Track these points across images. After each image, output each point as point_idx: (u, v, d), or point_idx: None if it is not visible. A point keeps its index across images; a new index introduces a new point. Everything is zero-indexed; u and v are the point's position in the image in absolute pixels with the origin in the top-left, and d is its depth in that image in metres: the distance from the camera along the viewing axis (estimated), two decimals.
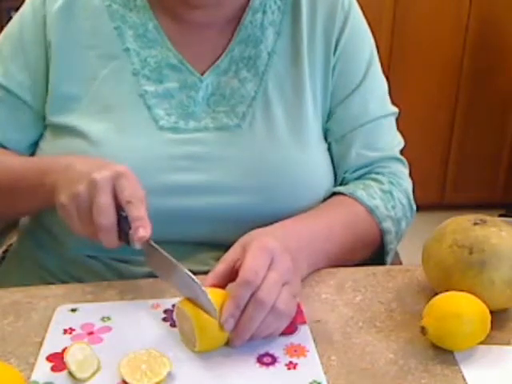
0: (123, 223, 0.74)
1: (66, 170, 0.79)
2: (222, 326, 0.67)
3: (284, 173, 0.88)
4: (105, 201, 0.73)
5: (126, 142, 0.87)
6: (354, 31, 0.95)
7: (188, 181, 0.86)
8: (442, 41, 2.64)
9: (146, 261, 0.76)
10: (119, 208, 0.74)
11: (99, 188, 0.73)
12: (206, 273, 0.73)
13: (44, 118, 0.92)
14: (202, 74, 0.91)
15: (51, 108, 0.91)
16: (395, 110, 1.00)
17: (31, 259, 0.95)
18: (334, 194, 0.94)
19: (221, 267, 0.72)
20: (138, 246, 0.74)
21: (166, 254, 0.72)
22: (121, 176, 0.74)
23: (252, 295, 0.66)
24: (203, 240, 0.89)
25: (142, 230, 0.72)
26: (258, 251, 0.69)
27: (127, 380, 0.62)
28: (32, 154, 0.94)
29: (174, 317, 0.74)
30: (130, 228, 0.73)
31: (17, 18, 0.94)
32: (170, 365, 0.64)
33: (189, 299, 0.69)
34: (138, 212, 0.73)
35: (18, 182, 0.87)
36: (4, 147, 0.93)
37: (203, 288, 0.67)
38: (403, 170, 1.00)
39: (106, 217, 0.73)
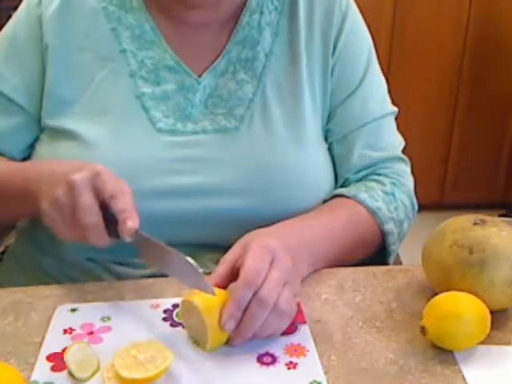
0: (111, 220, 0.73)
1: (43, 175, 0.77)
2: (222, 327, 0.67)
3: (283, 174, 0.88)
4: (86, 200, 0.71)
5: (124, 145, 0.86)
6: (352, 32, 0.95)
7: (186, 183, 0.86)
8: (442, 41, 2.64)
9: (139, 254, 0.75)
10: (104, 207, 0.73)
11: (78, 188, 0.71)
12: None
13: (39, 121, 0.91)
14: (200, 76, 0.91)
15: (47, 111, 0.90)
16: (395, 109, 1.00)
17: (29, 261, 0.95)
18: (336, 196, 0.93)
19: (222, 268, 0.72)
20: (128, 238, 0.72)
21: (158, 241, 0.71)
22: (99, 174, 0.73)
23: (254, 295, 0.66)
24: (202, 242, 0.89)
25: (130, 222, 0.71)
26: (258, 251, 0.69)
27: (119, 371, 0.61)
28: (27, 156, 0.94)
29: (174, 316, 0.74)
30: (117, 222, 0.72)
31: (11, 20, 0.93)
32: (171, 357, 0.63)
33: (195, 293, 0.69)
34: (123, 204, 0.72)
35: (2, 191, 0.85)
36: None
37: (200, 270, 0.67)
38: (406, 169, 1.00)
39: (91, 216, 0.72)
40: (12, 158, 0.93)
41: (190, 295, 0.69)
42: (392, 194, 0.94)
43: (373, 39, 0.99)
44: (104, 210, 0.73)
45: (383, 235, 0.92)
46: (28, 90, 0.91)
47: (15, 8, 0.95)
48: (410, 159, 1.02)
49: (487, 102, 2.76)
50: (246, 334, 0.67)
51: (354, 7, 0.97)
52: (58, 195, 0.72)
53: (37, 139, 0.93)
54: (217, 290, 0.69)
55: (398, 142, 1.01)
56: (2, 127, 0.92)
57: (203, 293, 0.69)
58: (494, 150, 2.84)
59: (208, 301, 0.68)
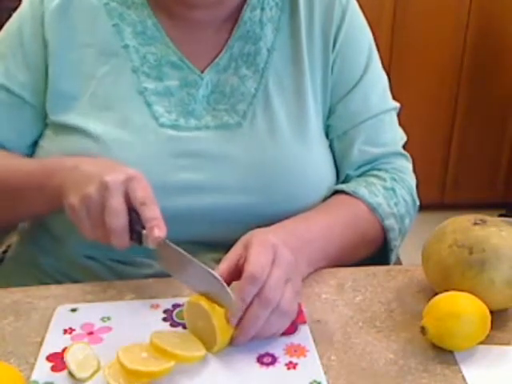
0: (134, 224, 0.74)
1: (73, 170, 0.78)
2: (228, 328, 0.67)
3: (286, 170, 0.88)
4: (117, 203, 0.72)
5: (126, 140, 0.86)
6: (352, 27, 0.95)
7: (188, 180, 0.86)
8: (442, 39, 2.64)
9: (158, 260, 0.76)
10: (130, 209, 0.73)
11: (111, 190, 0.72)
12: None
13: (44, 117, 0.92)
14: (202, 72, 0.91)
15: (51, 106, 0.90)
16: (396, 104, 1.00)
17: (30, 261, 0.95)
18: (336, 192, 0.93)
19: (224, 266, 0.72)
20: (152, 245, 0.73)
21: (181, 251, 0.71)
22: (132, 179, 0.74)
23: (257, 292, 0.66)
24: (203, 240, 0.89)
25: (158, 231, 0.72)
26: (260, 247, 0.70)
27: (123, 361, 0.62)
28: (32, 153, 0.94)
29: (174, 316, 0.74)
30: (143, 228, 0.73)
31: (16, 16, 0.94)
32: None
33: (203, 294, 0.68)
34: (153, 213, 0.73)
35: (22, 184, 0.86)
36: (4, 147, 0.93)
37: (223, 282, 0.67)
38: (407, 165, 1.00)
39: (119, 219, 0.72)
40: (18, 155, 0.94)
41: (196, 297, 0.68)
42: (392, 189, 0.94)
43: (373, 37, 0.99)
44: (129, 214, 0.73)
45: (384, 231, 0.92)
46: (34, 86, 0.91)
47: (15, 9, 0.95)
48: (411, 159, 1.02)
49: (487, 102, 2.76)
50: (247, 333, 0.67)
51: (353, 3, 0.97)
52: (89, 193, 0.73)
53: (41, 135, 0.93)
54: None
55: (400, 137, 1.00)
56: (11, 122, 0.92)
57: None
58: (494, 150, 2.84)
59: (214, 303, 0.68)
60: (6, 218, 0.93)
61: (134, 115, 0.88)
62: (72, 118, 0.89)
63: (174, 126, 0.88)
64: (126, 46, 0.91)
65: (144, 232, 0.73)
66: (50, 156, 0.90)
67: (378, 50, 1.00)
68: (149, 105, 0.89)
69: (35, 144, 0.94)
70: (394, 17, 2.60)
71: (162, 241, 0.72)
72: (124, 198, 0.73)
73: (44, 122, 0.92)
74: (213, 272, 0.67)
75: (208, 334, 0.67)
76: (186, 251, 0.87)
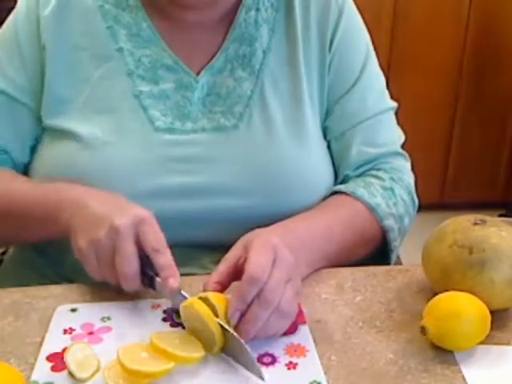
0: (145, 267, 0.72)
1: (81, 208, 0.76)
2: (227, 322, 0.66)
3: (284, 172, 0.88)
4: (128, 249, 0.71)
5: (122, 144, 0.86)
6: (349, 27, 0.95)
7: (186, 183, 0.86)
8: (442, 39, 2.64)
9: (172, 306, 0.74)
10: (140, 251, 0.72)
11: (122, 235, 0.71)
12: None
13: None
14: (198, 74, 0.91)
15: (46, 111, 0.90)
16: (394, 104, 1.00)
17: (28, 263, 0.95)
18: (335, 192, 0.93)
19: (224, 266, 0.72)
20: (167, 294, 0.72)
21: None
22: (143, 221, 0.72)
23: (257, 293, 0.66)
24: (202, 243, 0.88)
25: (173, 281, 0.70)
26: (261, 248, 0.69)
27: (123, 361, 0.62)
28: (30, 161, 0.93)
29: (174, 316, 0.74)
30: (156, 274, 0.72)
31: (11, 20, 0.93)
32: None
33: (196, 298, 0.68)
34: (166, 260, 0.71)
35: (26, 213, 0.83)
36: (6, 152, 0.92)
37: (245, 345, 0.65)
38: (405, 165, 1.00)
39: (130, 265, 0.71)
40: (18, 162, 0.93)
41: (191, 301, 0.68)
42: (391, 189, 0.94)
43: (372, 39, 0.99)
44: (140, 257, 0.72)
45: (383, 231, 0.92)
46: (32, 89, 0.90)
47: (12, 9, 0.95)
48: (410, 159, 1.01)
49: (487, 102, 2.76)
50: (247, 334, 0.67)
51: (350, 2, 0.97)
52: (99, 237, 0.71)
53: (39, 141, 0.92)
54: (219, 295, 0.69)
55: (398, 137, 1.00)
56: (12, 127, 0.91)
57: (203, 298, 0.68)
58: (494, 150, 2.84)
59: (210, 307, 0.67)
60: (8, 242, 0.93)
61: (130, 119, 0.88)
62: (66, 122, 0.88)
63: (170, 130, 0.88)
64: (120, 49, 0.90)
65: (158, 279, 0.72)
66: (47, 162, 0.89)
67: (378, 50, 1.00)
68: (144, 108, 0.88)
69: (34, 149, 0.93)
70: (393, 17, 2.59)
71: (177, 290, 0.71)
72: (135, 242, 0.72)
73: (42, 126, 0.92)
74: (233, 332, 0.66)
75: (206, 335, 0.67)
76: (186, 254, 0.88)
